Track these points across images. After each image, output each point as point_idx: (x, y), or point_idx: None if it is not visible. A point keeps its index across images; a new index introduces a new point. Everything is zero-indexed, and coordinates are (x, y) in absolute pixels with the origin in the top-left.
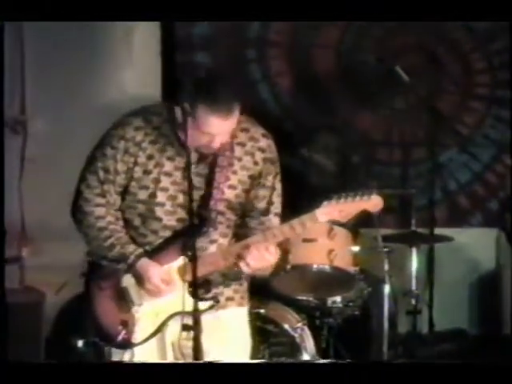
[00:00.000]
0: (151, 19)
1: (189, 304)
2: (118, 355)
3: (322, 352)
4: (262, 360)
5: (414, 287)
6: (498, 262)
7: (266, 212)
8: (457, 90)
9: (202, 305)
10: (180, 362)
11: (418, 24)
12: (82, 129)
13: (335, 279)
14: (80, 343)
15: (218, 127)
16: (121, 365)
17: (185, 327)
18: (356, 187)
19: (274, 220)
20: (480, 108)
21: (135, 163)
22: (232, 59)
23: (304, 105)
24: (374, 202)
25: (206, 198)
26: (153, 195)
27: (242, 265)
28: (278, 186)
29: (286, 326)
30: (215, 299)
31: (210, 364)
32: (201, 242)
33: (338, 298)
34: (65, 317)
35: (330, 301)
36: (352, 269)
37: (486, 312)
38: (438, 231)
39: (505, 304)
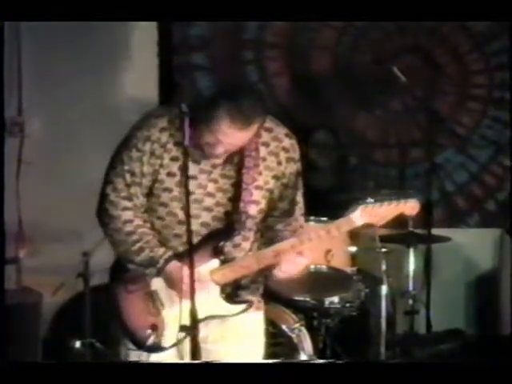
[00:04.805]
0: (149, 19)
1: (220, 307)
2: (135, 357)
3: (319, 352)
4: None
5: (411, 287)
6: (499, 262)
7: (290, 212)
8: (454, 91)
9: (234, 308)
10: (178, 362)
11: (414, 25)
12: (79, 130)
13: (332, 279)
14: (77, 344)
15: (232, 137)
16: (118, 365)
17: (183, 328)
18: (353, 188)
19: (301, 220)
20: (477, 109)
21: (161, 165)
22: (229, 60)
23: (301, 106)
24: (410, 205)
25: (235, 200)
26: (177, 199)
27: (276, 271)
28: (301, 185)
29: (284, 327)
30: (249, 303)
31: (208, 364)
32: (226, 247)
33: (336, 299)
34: (62, 317)
35: (327, 301)
36: (349, 269)
37: (483, 312)
38: (435, 231)
39: (504, 304)
